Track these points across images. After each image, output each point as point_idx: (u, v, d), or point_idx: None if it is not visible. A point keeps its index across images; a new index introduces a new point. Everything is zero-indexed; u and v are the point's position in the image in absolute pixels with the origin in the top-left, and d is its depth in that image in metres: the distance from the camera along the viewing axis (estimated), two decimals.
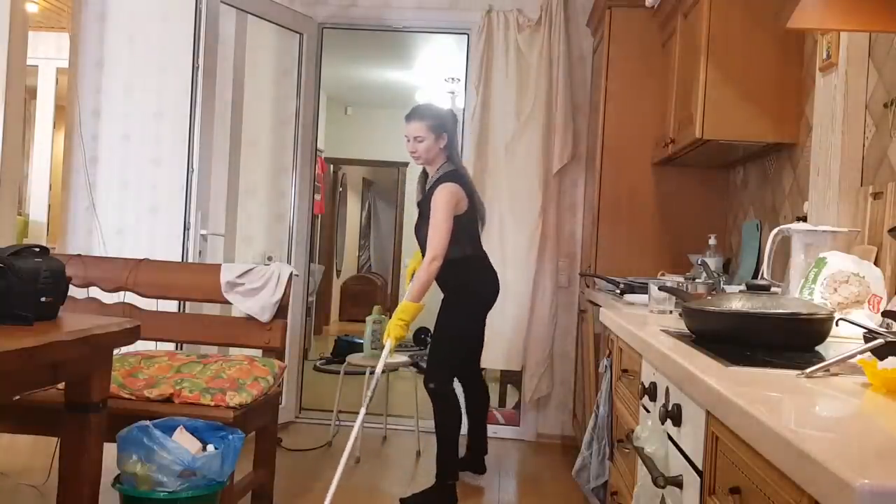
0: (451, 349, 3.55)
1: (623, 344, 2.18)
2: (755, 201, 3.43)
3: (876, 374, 1.13)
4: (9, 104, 3.86)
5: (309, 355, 6.72)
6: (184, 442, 2.29)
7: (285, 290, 3.20)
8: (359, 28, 4.88)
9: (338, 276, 10.15)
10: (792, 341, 1.50)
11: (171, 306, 3.58)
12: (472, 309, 3.58)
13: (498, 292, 3.66)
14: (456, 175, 3.45)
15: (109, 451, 2.18)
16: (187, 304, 3.73)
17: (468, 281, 3.53)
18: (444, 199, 3.32)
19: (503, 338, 4.52)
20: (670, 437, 1.50)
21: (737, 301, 1.58)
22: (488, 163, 4.56)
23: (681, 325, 1.78)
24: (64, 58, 4.79)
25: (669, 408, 1.47)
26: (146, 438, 2.22)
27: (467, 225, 3.47)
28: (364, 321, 4.70)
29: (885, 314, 1.49)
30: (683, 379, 1.32)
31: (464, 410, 3.68)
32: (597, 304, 3.36)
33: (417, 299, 3.32)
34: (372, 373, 4.34)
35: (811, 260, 1.97)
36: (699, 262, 3.00)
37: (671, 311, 2.24)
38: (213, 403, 2.61)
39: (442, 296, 3.60)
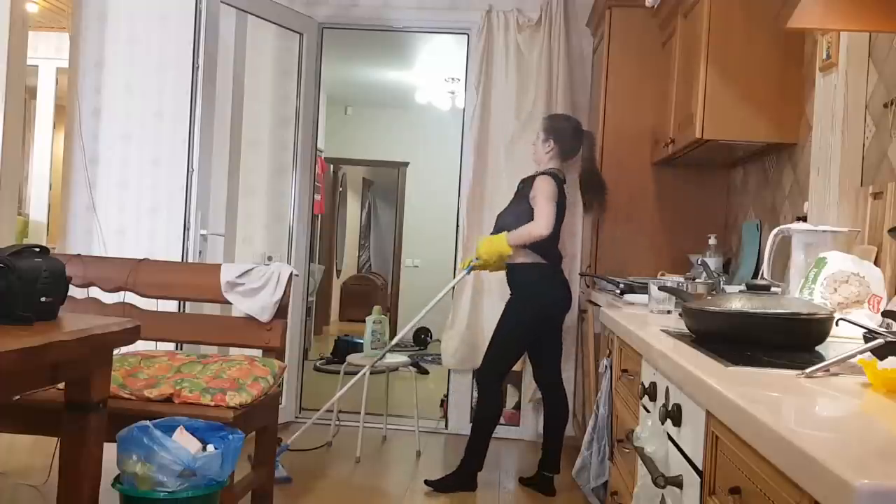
0: (497, 349, 3.63)
1: (623, 344, 2.18)
2: (755, 201, 3.43)
3: (876, 374, 1.13)
4: (9, 104, 3.86)
5: (309, 355, 6.72)
6: (184, 442, 2.29)
7: (285, 290, 3.19)
8: (359, 28, 4.88)
9: (338, 276, 10.15)
10: (792, 341, 1.50)
11: (171, 306, 3.58)
12: (529, 315, 3.59)
13: (568, 307, 3.69)
14: (554, 174, 3.59)
15: (109, 451, 2.18)
16: (187, 304, 3.73)
17: (536, 287, 3.59)
18: (546, 187, 3.50)
19: None
20: (670, 437, 1.50)
21: (737, 301, 1.58)
22: (488, 163, 4.56)
23: (681, 325, 1.78)
24: (64, 58, 4.79)
25: (669, 408, 1.47)
26: (146, 438, 2.21)
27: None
28: (364, 321, 4.70)
29: (885, 314, 1.49)
30: (683, 379, 1.32)
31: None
32: (597, 304, 3.36)
33: (512, 242, 3.53)
34: (372, 373, 4.36)
35: (811, 260, 1.97)
36: (699, 262, 3.00)
37: (671, 311, 2.24)
38: (213, 403, 2.60)
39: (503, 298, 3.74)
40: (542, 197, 3.47)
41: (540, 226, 3.44)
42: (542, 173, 3.58)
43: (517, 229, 3.52)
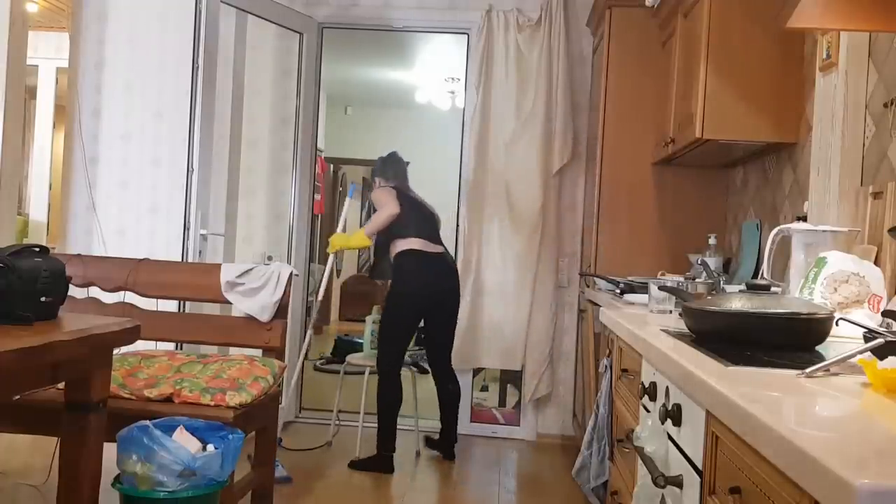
0: (383, 342, 4.03)
1: (623, 344, 2.18)
2: (755, 201, 3.43)
3: (876, 374, 1.13)
4: (9, 104, 3.86)
5: (309, 355, 6.70)
6: (184, 442, 2.29)
7: (285, 289, 3.19)
8: (359, 28, 4.88)
9: (338, 276, 10.14)
10: (792, 341, 1.50)
11: (171, 306, 3.58)
12: (392, 301, 4.00)
13: (435, 293, 4.00)
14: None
15: (109, 451, 2.18)
16: (187, 304, 3.73)
17: (400, 275, 3.97)
18: (377, 189, 4.10)
19: (502, 337, 4.53)
20: (670, 437, 1.50)
21: (737, 301, 1.58)
22: (488, 163, 4.56)
23: (681, 325, 1.78)
24: (64, 58, 4.79)
25: (669, 408, 1.47)
26: (146, 438, 2.21)
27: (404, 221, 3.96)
28: (364, 321, 4.70)
29: (885, 314, 1.49)
30: (683, 379, 1.32)
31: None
32: (597, 304, 3.36)
33: (368, 232, 4.07)
34: (372, 373, 4.36)
35: (811, 260, 1.97)
36: (699, 262, 3.00)
37: (671, 311, 2.24)
38: (212, 403, 2.60)
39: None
40: (377, 192, 4.05)
41: (383, 208, 3.93)
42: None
43: (368, 222, 4.03)
